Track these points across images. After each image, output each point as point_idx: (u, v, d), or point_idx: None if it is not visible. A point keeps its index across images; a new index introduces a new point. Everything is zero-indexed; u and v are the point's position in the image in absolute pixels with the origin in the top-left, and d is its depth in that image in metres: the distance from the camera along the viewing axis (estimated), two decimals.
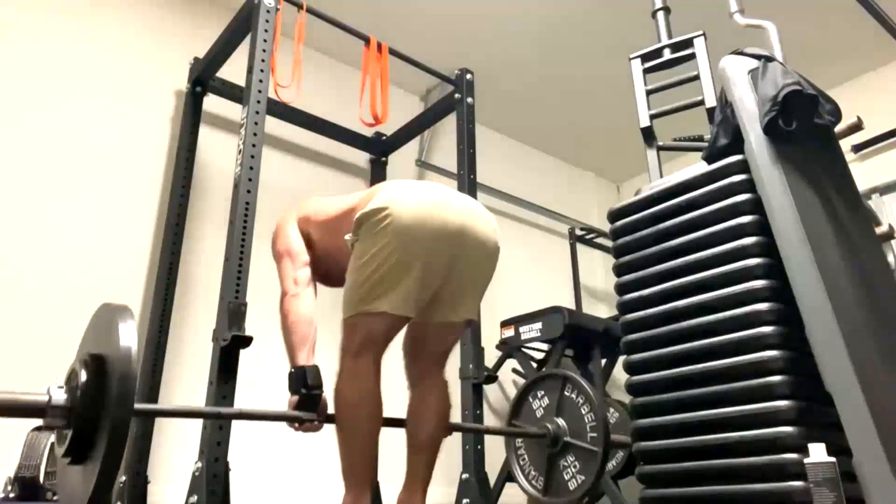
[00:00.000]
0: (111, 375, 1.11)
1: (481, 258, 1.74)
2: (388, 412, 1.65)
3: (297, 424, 1.74)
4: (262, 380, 2.37)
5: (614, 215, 2.16)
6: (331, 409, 1.66)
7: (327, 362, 1.71)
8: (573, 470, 2.14)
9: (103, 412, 1.10)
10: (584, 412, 2.17)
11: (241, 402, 1.83)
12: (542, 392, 2.33)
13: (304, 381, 1.68)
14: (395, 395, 1.78)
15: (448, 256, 1.66)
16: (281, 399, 1.89)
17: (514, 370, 3.58)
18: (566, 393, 2.24)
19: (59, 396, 1.13)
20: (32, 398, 1.13)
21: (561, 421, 2.22)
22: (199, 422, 1.80)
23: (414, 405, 1.78)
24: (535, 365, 3.38)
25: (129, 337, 1.12)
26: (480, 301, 1.86)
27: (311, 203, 1.99)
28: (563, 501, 2.15)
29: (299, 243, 1.88)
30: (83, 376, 1.14)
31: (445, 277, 1.68)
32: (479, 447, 2.37)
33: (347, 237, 1.67)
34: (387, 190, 1.68)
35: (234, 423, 1.80)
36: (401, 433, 1.76)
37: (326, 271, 1.91)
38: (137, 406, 1.33)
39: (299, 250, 1.87)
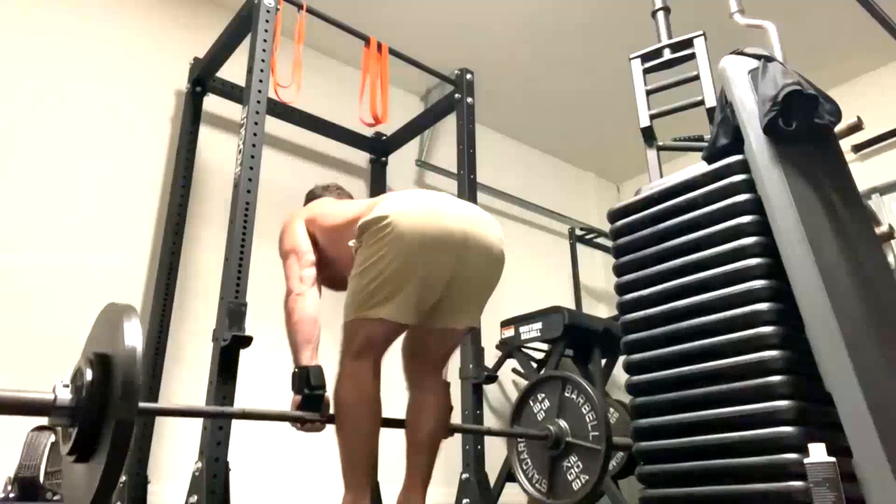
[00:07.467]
0: (116, 375, 1.12)
1: (485, 266, 1.74)
2: (387, 412, 1.66)
3: (299, 424, 1.74)
4: (263, 378, 2.37)
5: (614, 215, 2.16)
6: (332, 411, 1.66)
7: (329, 365, 1.71)
8: (576, 470, 2.13)
9: (108, 411, 1.11)
10: (584, 412, 2.16)
11: (242, 400, 1.83)
12: (543, 395, 2.31)
13: (307, 381, 1.69)
14: (396, 395, 1.79)
15: (450, 265, 1.66)
16: (282, 397, 1.89)
17: (514, 370, 3.57)
18: (566, 394, 2.23)
19: (65, 396, 1.14)
20: (38, 397, 1.13)
21: (562, 422, 2.21)
22: (199, 422, 1.80)
23: (413, 406, 1.78)
24: (535, 365, 3.38)
25: (135, 337, 1.13)
26: (483, 308, 1.86)
27: (319, 205, 2.01)
28: (567, 502, 2.14)
29: (306, 243, 1.90)
30: (88, 375, 1.15)
31: (447, 285, 1.68)
32: (479, 447, 2.37)
33: (352, 243, 1.69)
34: (389, 200, 1.70)
35: (235, 423, 1.80)
36: (401, 433, 1.76)
37: (331, 275, 1.92)
38: (142, 405, 1.34)
39: (306, 249, 1.89)
